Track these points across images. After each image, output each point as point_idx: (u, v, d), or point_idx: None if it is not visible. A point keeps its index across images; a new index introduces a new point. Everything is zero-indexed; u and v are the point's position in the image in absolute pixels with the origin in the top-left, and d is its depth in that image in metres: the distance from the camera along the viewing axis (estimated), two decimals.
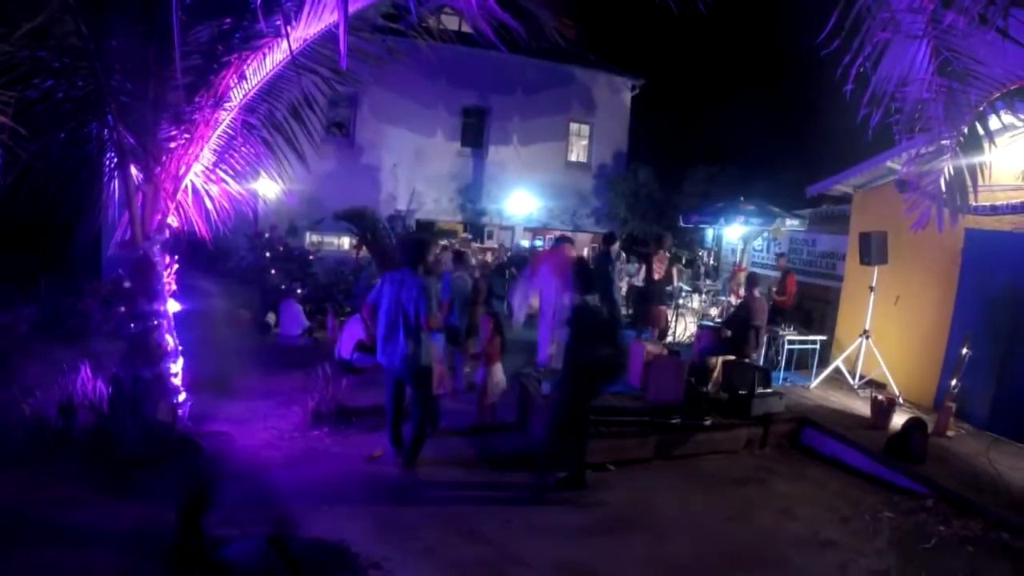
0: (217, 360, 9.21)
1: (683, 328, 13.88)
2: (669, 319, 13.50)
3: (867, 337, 10.46)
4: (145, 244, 6.95)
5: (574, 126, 23.20)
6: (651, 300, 13.00)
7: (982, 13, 4.05)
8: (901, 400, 10.07)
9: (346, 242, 18.95)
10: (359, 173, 19.04)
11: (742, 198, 13.43)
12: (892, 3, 4.40)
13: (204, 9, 6.39)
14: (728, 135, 24.38)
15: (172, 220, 7.26)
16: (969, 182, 5.13)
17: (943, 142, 5.07)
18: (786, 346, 10.96)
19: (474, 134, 21.75)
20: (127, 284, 7.06)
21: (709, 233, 17.55)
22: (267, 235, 15.27)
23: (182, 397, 7.31)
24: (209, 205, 7.62)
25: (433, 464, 7.23)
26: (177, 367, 7.31)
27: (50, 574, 4.78)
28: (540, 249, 25.61)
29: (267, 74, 7.09)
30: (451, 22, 16.75)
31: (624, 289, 15.73)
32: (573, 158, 23.34)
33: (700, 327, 10.62)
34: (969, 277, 9.70)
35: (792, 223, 13.07)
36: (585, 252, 24.27)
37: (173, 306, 7.31)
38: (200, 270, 13.08)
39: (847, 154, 11.17)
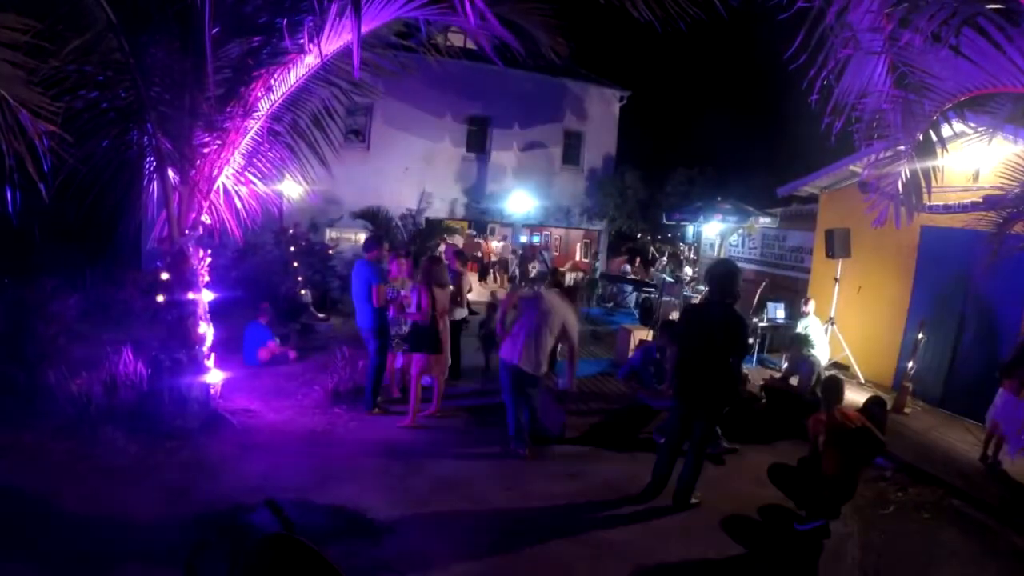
0: None
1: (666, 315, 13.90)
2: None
3: (832, 323, 10.50)
4: (181, 239, 6.98)
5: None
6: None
7: (936, 32, 4.06)
8: (862, 380, 10.12)
9: (362, 238, 18.94)
10: (374, 175, 18.99)
11: (719, 198, 13.43)
12: (853, 23, 4.41)
13: (235, 28, 6.41)
14: (706, 141, 24.40)
15: (205, 218, 7.29)
16: (923, 184, 5.13)
17: (900, 148, 5.07)
18: (759, 331, 11.01)
19: (478, 140, 21.70)
20: (165, 275, 7.08)
21: (690, 230, 17.53)
22: (291, 231, 15.26)
23: (214, 377, 7.34)
24: (239, 204, 7.64)
25: (442, 435, 7.29)
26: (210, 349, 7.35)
27: (93, 533, 4.81)
28: (538, 244, 25.66)
29: (291, 86, 7.10)
30: (457, 39, 16.67)
31: None
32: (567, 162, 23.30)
33: None
34: (924, 269, 9.75)
35: (764, 220, 13.07)
36: (577, 248, 24.29)
37: (207, 295, 7.34)
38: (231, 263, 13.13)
39: (814, 159, 11.19)
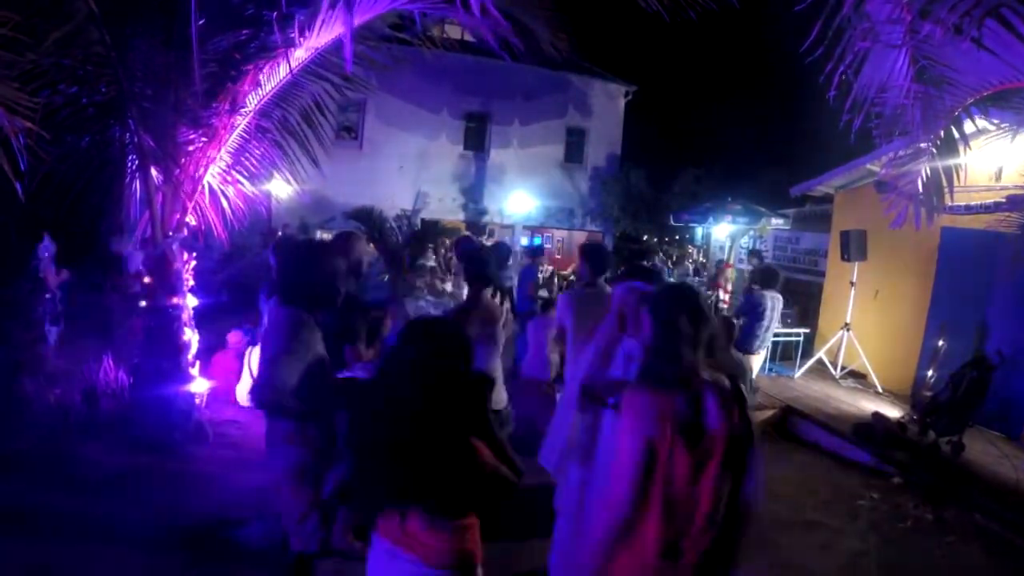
0: None
1: None
2: None
3: (848, 330, 10.48)
4: (164, 242, 6.96)
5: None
6: None
7: (957, 24, 4.06)
8: (880, 389, 10.10)
9: None
10: (367, 174, 19.02)
11: (729, 198, 13.44)
12: (872, 14, 4.41)
13: (222, 20, 6.39)
14: (716, 138, 24.47)
15: (190, 219, 7.27)
16: (945, 183, 5.14)
17: (920, 145, 5.08)
18: (771, 338, 10.97)
19: (476, 137, 21.74)
20: (147, 279, 7.06)
21: (698, 232, 17.54)
22: (280, 233, 15.25)
23: (199, 386, 7.32)
24: (225, 204, 7.60)
25: None
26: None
27: (72, 554, 4.79)
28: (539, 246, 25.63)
29: (281, 81, 7.08)
30: (454, 32, 16.76)
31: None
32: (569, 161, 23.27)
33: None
34: (945, 273, 9.73)
35: (777, 222, 13.08)
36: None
37: (191, 300, 7.32)
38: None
39: (829, 157, 11.18)
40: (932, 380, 8.76)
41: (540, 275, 11.01)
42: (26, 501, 5.40)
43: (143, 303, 7.10)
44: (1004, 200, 7.42)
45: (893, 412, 8.69)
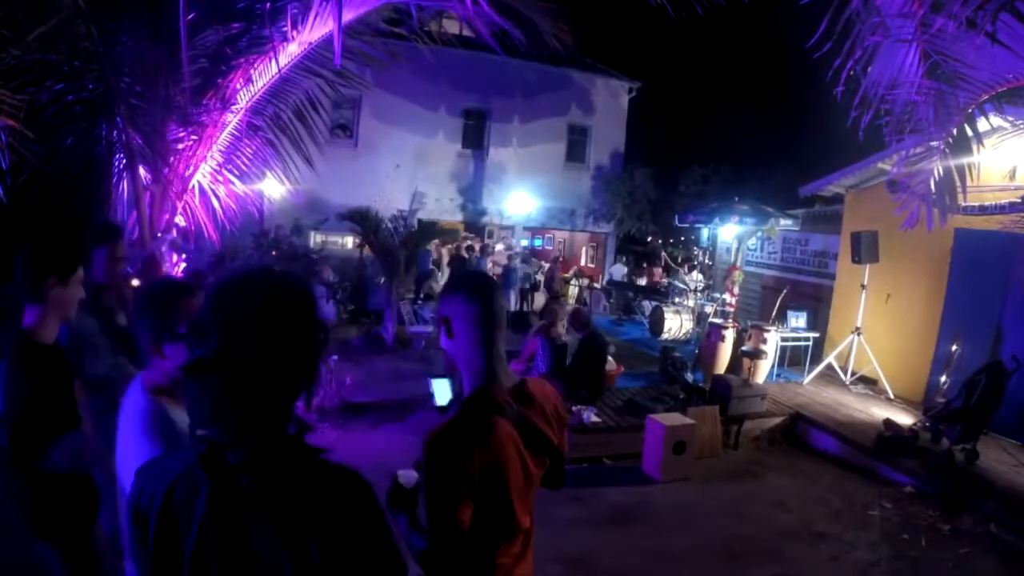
0: None
1: (679, 325, 13.91)
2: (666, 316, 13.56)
3: (859, 334, 10.47)
4: (153, 243, 6.95)
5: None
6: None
7: (970, 18, 4.06)
8: (891, 395, 10.08)
9: (350, 241, 18.94)
10: (362, 173, 19.01)
11: (736, 198, 13.39)
12: (882, 8, 4.41)
13: (212, 14, 6.40)
14: (722, 136, 24.50)
15: (180, 219, 7.27)
16: (958, 183, 5.13)
17: (932, 144, 5.07)
18: (779, 343, 10.95)
19: (475, 135, 21.73)
20: (135, 282, 7.05)
21: (704, 233, 17.53)
22: (272, 234, 15.21)
23: None
24: (216, 205, 7.60)
25: None
26: None
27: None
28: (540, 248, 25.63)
29: (273, 77, 7.08)
30: (452, 26, 16.77)
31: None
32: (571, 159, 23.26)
33: (710, 324, 10.78)
34: (958, 275, 9.71)
35: (785, 223, 13.06)
36: (583, 252, 24.29)
37: None
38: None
39: (839, 155, 11.18)
40: (945, 386, 8.74)
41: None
42: (9, 512, 5.38)
43: (132, 306, 7.09)
44: (1019, 200, 7.42)
45: (905, 419, 8.68)
